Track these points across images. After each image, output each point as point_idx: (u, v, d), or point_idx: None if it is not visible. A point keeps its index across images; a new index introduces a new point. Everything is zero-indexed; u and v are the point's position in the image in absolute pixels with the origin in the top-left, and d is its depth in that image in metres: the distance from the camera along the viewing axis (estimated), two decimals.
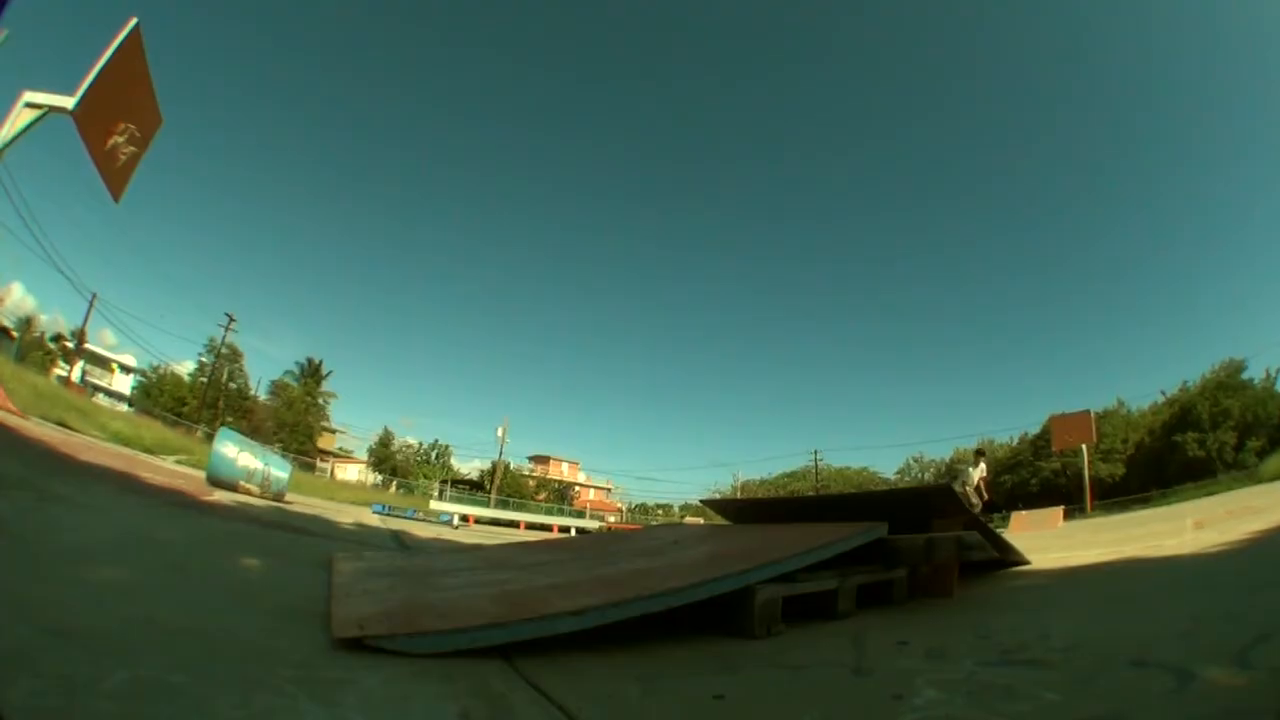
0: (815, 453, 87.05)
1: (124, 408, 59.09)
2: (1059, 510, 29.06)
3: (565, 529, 47.75)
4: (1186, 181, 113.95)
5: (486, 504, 64.10)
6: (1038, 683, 2.76)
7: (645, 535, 8.37)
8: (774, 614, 3.88)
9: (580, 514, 75.80)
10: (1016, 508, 37.44)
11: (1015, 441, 70.76)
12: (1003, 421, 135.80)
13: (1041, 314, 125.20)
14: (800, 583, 4.21)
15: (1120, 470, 57.73)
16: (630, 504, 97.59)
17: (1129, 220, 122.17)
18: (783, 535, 5.50)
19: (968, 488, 14.64)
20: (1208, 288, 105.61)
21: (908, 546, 5.14)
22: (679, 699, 2.82)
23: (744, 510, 9.36)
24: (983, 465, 16.07)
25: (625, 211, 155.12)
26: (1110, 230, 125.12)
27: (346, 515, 17.55)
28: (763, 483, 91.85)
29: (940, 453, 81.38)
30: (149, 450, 24.90)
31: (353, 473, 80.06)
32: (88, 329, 62.87)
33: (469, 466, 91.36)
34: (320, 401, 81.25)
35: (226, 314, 68.81)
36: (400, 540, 11.37)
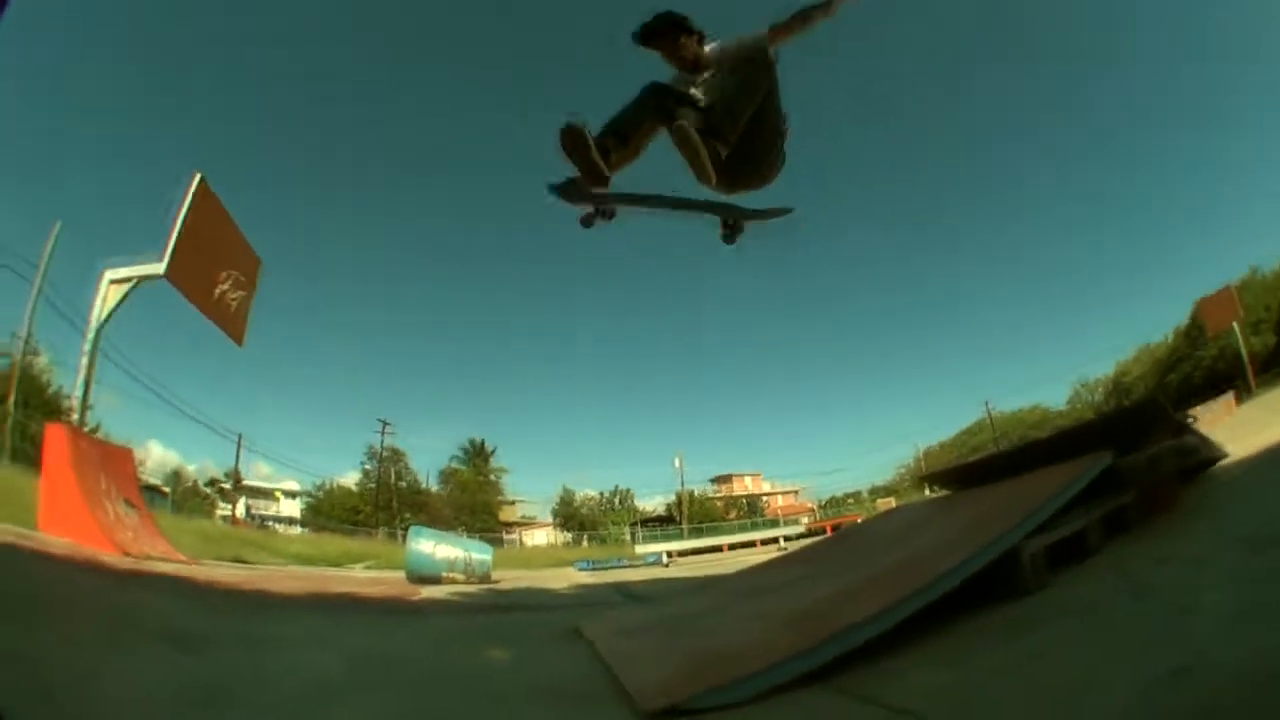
0: (986, 403, 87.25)
1: (297, 530, 61.74)
2: (1229, 397, 27.92)
3: (770, 540, 47.67)
4: None
5: (678, 535, 66.24)
6: None
7: (877, 526, 8.60)
8: (1041, 566, 3.96)
9: (774, 523, 76.47)
10: (1190, 405, 35.83)
11: (1170, 338, 68.68)
12: (1151, 322, 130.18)
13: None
14: (1056, 529, 4.28)
15: (1271, 339, 54.84)
16: (820, 500, 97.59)
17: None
18: (1019, 488, 5.55)
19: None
20: None
21: (1130, 467, 5.12)
22: (1001, 669, 2.87)
23: (964, 475, 9.18)
24: None
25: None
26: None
27: (556, 580, 17.97)
28: (943, 446, 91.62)
29: (1103, 369, 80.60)
30: (335, 564, 25.69)
31: (540, 537, 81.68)
32: (241, 467, 66.02)
33: (652, 503, 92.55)
34: (493, 478, 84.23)
35: (380, 419, 73.00)
36: (626, 592, 11.43)
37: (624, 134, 5.38)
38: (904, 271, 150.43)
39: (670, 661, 3.76)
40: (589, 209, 5.82)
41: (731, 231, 5.98)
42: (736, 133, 5.41)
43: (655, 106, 5.46)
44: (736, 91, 5.41)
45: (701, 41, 5.67)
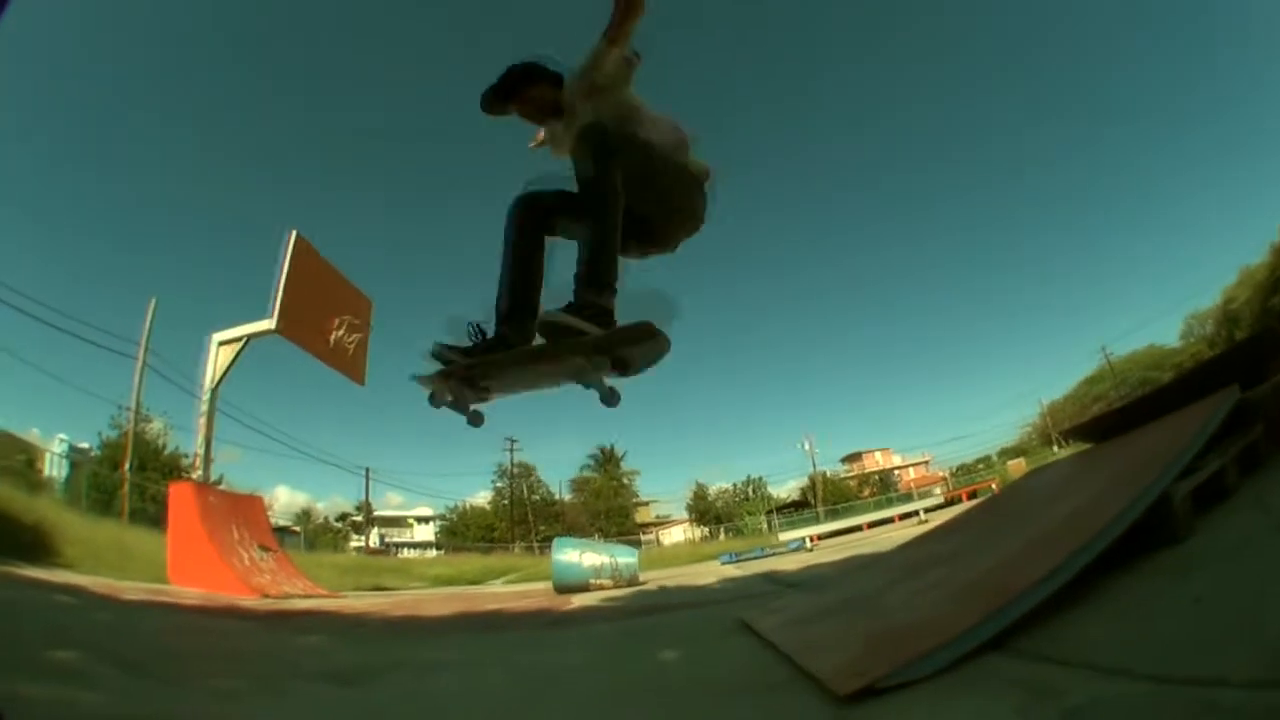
0: (1103, 349, 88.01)
1: (434, 553, 63.38)
2: None
3: (909, 515, 47.85)
4: None
5: (814, 519, 68.11)
6: None
7: (1026, 488, 8.56)
8: (1189, 510, 3.96)
9: (908, 497, 76.92)
10: None
11: (1267, 257, 66.56)
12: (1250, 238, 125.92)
13: None
14: (1200, 471, 4.26)
15: None
16: (950, 469, 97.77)
17: None
18: (1156, 435, 5.58)
19: None
20: None
21: (1256, 400, 5.14)
22: (1169, 613, 2.89)
23: (1100, 427, 9.13)
24: None
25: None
26: None
27: (703, 575, 18.12)
28: (1067, 398, 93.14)
29: (1210, 297, 78.35)
30: (475, 582, 26.16)
31: (677, 534, 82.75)
32: (371, 499, 68.21)
33: (785, 489, 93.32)
34: (625, 481, 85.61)
35: (507, 438, 75.72)
36: (780, 580, 11.47)
37: (531, 296, 4.90)
38: (1000, 226, 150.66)
39: (851, 644, 3.75)
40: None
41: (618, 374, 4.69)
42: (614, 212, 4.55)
43: (535, 230, 5.01)
44: (595, 162, 4.57)
45: (557, 84, 5.18)
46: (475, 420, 5.10)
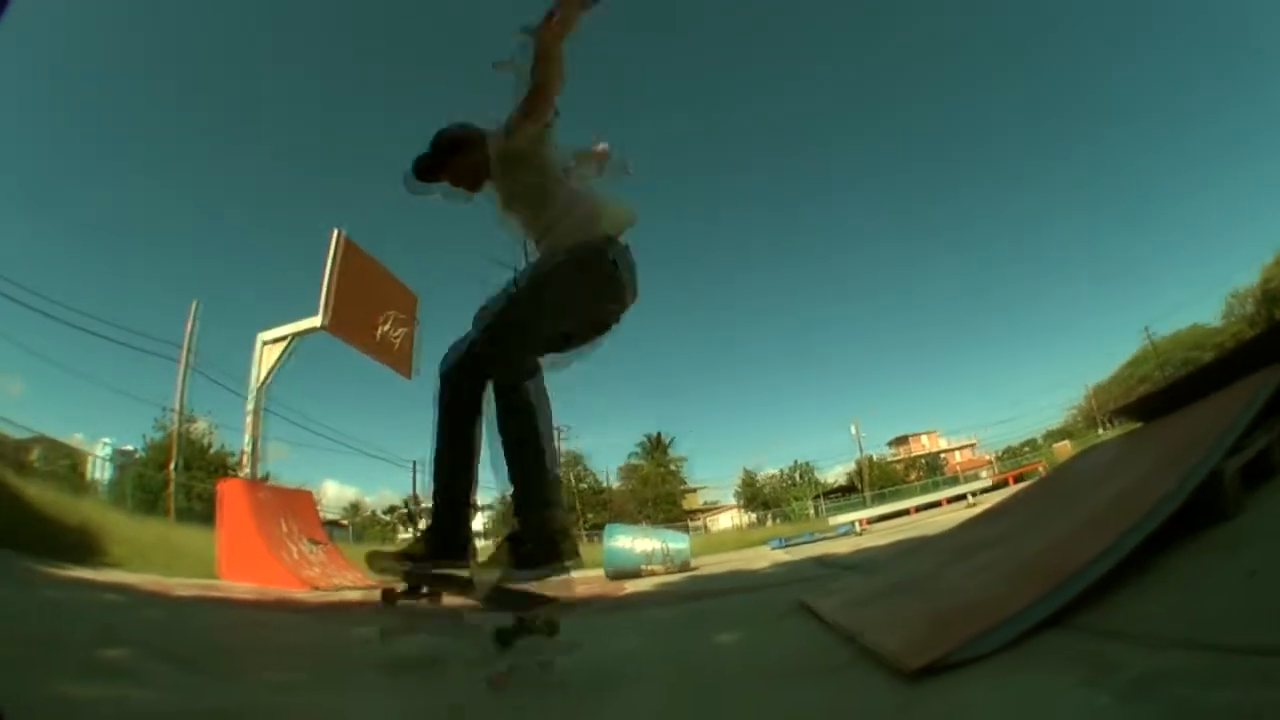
0: (1146, 329, 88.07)
1: (484, 543, 64.08)
2: None
3: (958, 498, 47.86)
4: None
5: (861, 504, 67.99)
6: None
7: (1075, 469, 8.49)
8: (1239, 486, 3.95)
9: (954, 480, 76.86)
10: None
11: None
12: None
13: None
14: (1248, 449, 4.23)
15: None
16: (996, 452, 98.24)
17: None
18: (1203, 414, 5.49)
19: None
20: None
21: None
22: (1220, 589, 2.91)
23: (1147, 406, 9.04)
24: None
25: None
26: None
27: (755, 560, 18.43)
28: (1111, 380, 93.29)
29: (1247, 279, 77.63)
30: None
31: (725, 520, 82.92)
32: (419, 492, 68.98)
33: (833, 474, 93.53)
34: (673, 468, 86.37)
35: (556, 427, 77.60)
36: (833, 564, 11.59)
37: (464, 489, 4.55)
38: (1040, 211, 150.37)
39: (912, 624, 3.79)
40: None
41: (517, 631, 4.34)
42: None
43: (467, 400, 4.46)
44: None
45: (479, 149, 4.73)
46: (434, 599, 4.80)
